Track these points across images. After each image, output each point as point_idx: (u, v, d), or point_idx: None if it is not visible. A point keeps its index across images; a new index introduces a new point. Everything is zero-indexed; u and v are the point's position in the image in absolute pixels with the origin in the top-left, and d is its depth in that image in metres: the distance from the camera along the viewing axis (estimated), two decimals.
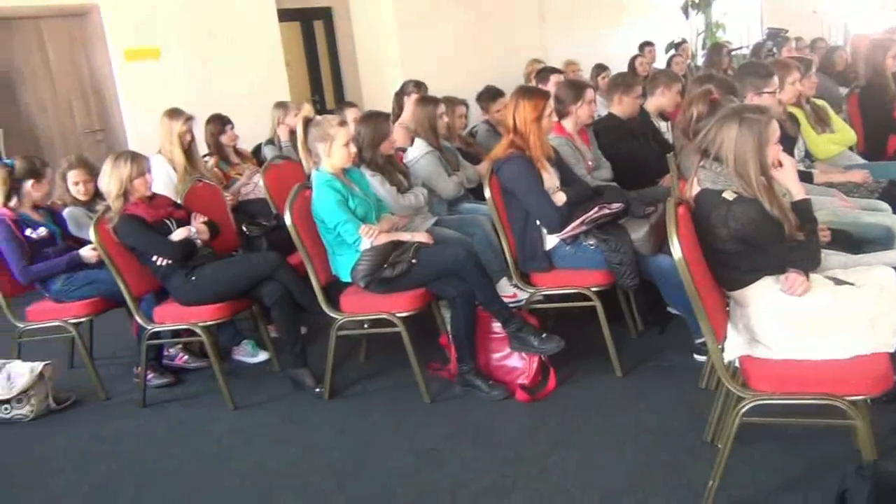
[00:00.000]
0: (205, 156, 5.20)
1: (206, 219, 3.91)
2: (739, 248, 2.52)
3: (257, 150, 5.76)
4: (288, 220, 3.50)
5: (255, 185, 5.06)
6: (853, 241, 3.27)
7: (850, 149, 4.67)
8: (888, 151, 4.90)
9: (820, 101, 4.69)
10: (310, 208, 3.57)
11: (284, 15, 7.56)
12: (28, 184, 3.96)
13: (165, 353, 4.17)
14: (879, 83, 4.88)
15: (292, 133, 5.61)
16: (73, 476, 3.21)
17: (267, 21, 7.16)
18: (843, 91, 5.65)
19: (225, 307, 3.68)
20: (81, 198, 4.18)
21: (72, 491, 3.09)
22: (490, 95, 5.47)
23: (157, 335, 3.81)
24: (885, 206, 3.63)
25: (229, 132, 5.31)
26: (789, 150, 3.93)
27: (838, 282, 2.51)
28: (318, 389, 3.67)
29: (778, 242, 2.51)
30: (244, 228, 4.44)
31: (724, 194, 2.52)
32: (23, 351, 4.02)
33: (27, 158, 4.04)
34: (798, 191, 2.64)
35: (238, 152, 5.48)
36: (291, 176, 4.55)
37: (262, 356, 4.19)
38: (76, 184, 4.15)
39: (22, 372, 3.75)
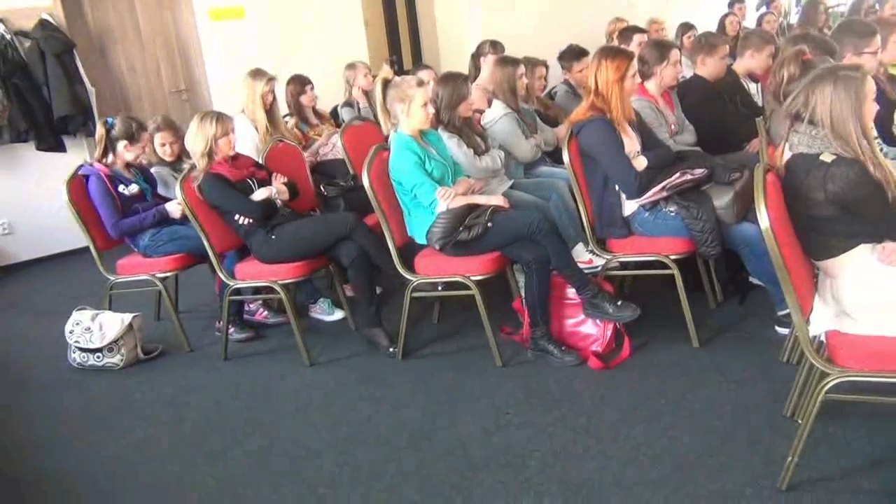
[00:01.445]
0: (285, 116, 5.29)
1: (286, 179, 3.99)
2: (836, 213, 2.41)
3: (335, 112, 5.83)
4: (366, 181, 3.53)
5: (333, 145, 5.13)
6: None
7: None
8: None
9: None
10: (387, 170, 3.59)
11: None
12: (122, 144, 4.11)
13: (246, 309, 4.31)
14: None
15: (365, 93, 5.68)
16: (160, 423, 3.38)
17: None
18: None
19: (303, 265, 3.77)
20: (167, 158, 4.35)
21: (158, 437, 3.26)
22: (573, 54, 5.35)
23: (238, 291, 3.93)
24: None
25: (309, 93, 5.39)
26: (890, 115, 3.72)
27: None
28: (392, 349, 3.73)
29: (879, 207, 2.39)
30: (322, 189, 4.51)
31: (821, 156, 2.40)
32: (113, 303, 4.22)
33: (126, 120, 4.15)
34: None
35: (317, 113, 5.56)
36: (369, 137, 4.59)
37: (339, 315, 4.28)
38: (163, 145, 4.32)
39: (113, 323, 3.95)
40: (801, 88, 2.51)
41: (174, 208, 4.03)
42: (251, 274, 3.83)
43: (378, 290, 4.01)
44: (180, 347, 4.13)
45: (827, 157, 2.39)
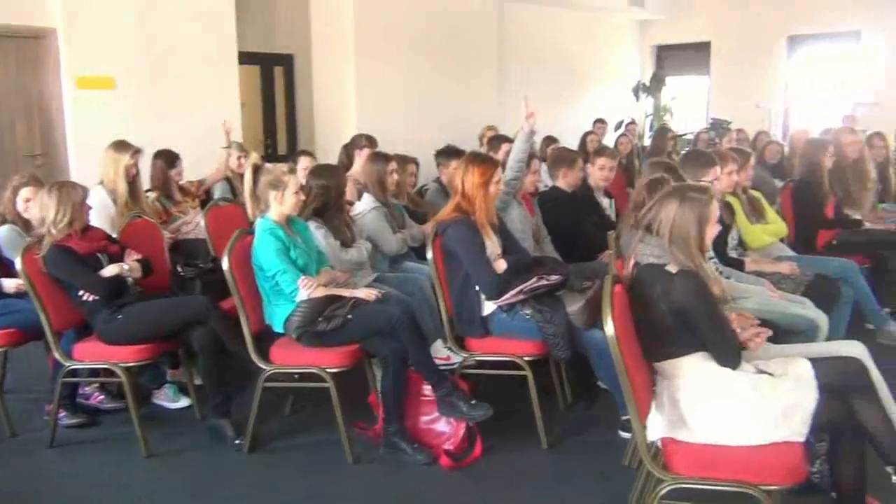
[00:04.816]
0: (147, 191, 5.12)
1: (139, 256, 3.82)
2: (677, 322, 2.57)
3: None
4: (225, 264, 3.45)
5: (196, 224, 4.99)
6: (779, 331, 3.38)
7: (782, 240, 4.86)
8: (817, 245, 5.12)
9: (756, 192, 4.89)
10: (249, 254, 3.53)
11: (245, 58, 7.59)
12: None
13: (80, 392, 4.01)
14: (814, 180, 5.11)
15: (237, 175, 5.64)
16: None
17: (227, 62, 7.17)
18: (779, 184, 5.90)
19: (149, 349, 3.58)
20: (27, 216, 4.03)
21: None
22: (450, 153, 5.54)
23: (74, 373, 3.66)
24: (807, 301, 3.77)
25: (178, 167, 5.27)
26: (724, 237, 4.08)
27: (758, 370, 2.58)
28: (237, 441, 3.56)
29: (714, 322, 2.56)
30: (179, 269, 4.34)
31: (667, 267, 2.58)
32: None
33: None
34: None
35: (183, 190, 5.43)
36: (233, 219, 4.51)
37: (184, 402, 4.06)
38: (27, 200, 4.01)
39: None
40: (653, 202, 2.71)
41: (10, 284, 3.74)
42: (91, 354, 3.59)
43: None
44: (1, 431, 3.76)
45: (672, 269, 2.57)
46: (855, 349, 2.80)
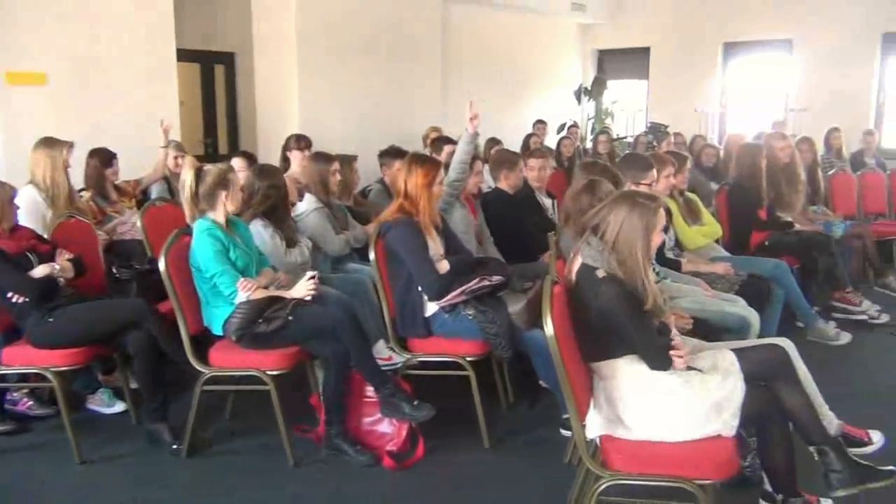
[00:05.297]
0: (80, 190, 4.98)
1: (71, 256, 3.71)
2: (603, 324, 2.62)
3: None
4: (162, 265, 3.37)
5: (132, 224, 4.87)
6: (712, 330, 3.48)
7: (717, 241, 5.00)
8: (750, 246, 5.28)
9: (692, 195, 5.03)
10: (186, 255, 3.46)
11: (185, 56, 7.43)
12: None
13: (8, 398, 3.87)
14: (748, 183, 5.27)
15: (173, 175, 5.55)
16: None
17: (165, 60, 7.01)
18: (714, 186, 6.06)
19: (82, 353, 3.47)
20: None
21: None
22: (394, 154, 5.52)
23: (2, 378, 3.54)
24: (740, 300, 3.89)
25: (115, 167, 5.15)
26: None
27: (688, 367, 2.65)
28: (175, 446, 3.49)
29: (635, 330, 2.60)
30: (114, 270, 4.23)
31: (597, 272, 2.62)
32: None
33: None
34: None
35: (119, 189, 5.29)
36: (171, 219, 4.41)
37: (119, 407, 3.96)
38: None
39: None
40: (603, 204, 2.75)
41: None
42: (20, 358, 3.47)
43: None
44: None
45: (600, 274, 2.62)
46: (782, 345, 2.90)
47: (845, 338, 4.96)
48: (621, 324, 2.59)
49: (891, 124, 9.59)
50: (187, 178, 3.53)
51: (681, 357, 2.64)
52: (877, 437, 2.97)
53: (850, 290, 5.49)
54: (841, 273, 5.42)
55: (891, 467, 2.72)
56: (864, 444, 2.95)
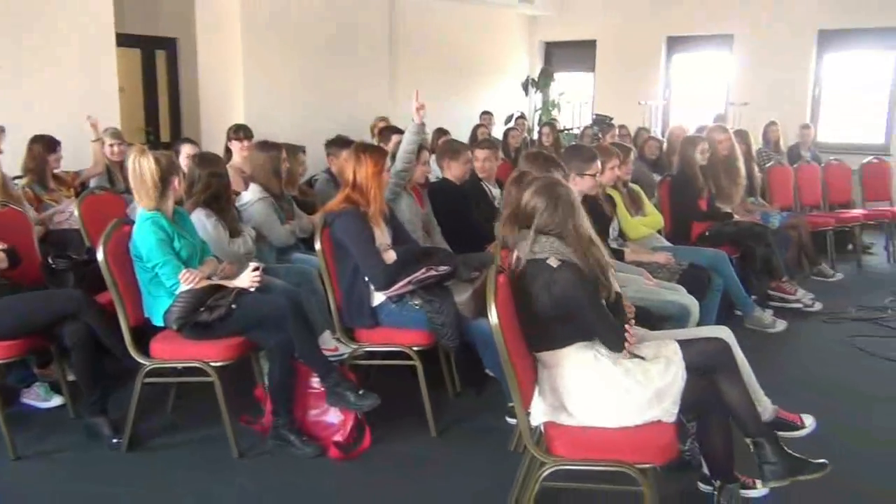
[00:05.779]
0: (15, 178, 4.83)
1: (4, 246, 3.59)
2: (558, 314, 2.66)
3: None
4: (101, 255, 3.29)
5: (70, 214, 4.74)
6: (653, 317, 3.56)
7: (659, 232, 5.11)
8: (691, 237, 5.41)
9: (635, 186, 5.12)
10: (126, 245, 3.38)
11: (124, 40, 7.23)
12: None
13: None
14: (688, 175, 5.39)
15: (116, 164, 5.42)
16: None
17: (104, 44, 6.81)
18: (657, 178, 6.18)
19: (16, 345, 3.36)
20: None
21: None
22: (340, 143, 5.48)
23: None
24: (681, 288, 3.98)
25: (58, 153, 5.01)
26: (605, 229, 4.25)
27: (632, 355, 2.71)
28: (115, 440, 3.42)
29: (594, 311, 2.67)
30: (51, 261, 4.11)
31: (548, 261, 2.66)
32: None
33: None
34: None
35: (57, 178, 5.15)
36: (110, 209, 4.31)
37: (57, 401, 3.85)
38: None
39: None
40: (526, 199, 2.79)
41: None
42: None
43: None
44: None
45: (553, 262, 2.66)
46: (722, 334, 2.98)
47: (781, 325, 5.12)
48: (580, 308, 2.64)
49: (826, 119, 9.91)
50: (146, 163, 3.37)
51: (630, 340, 2.70)
52: (809, 421, 3.07)
53: (785, 279, 5.67)
54: (777, 263, 5.59)
55: (822, 460, 2.80)
56: (798, 428, 3.06)
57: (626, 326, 2.71)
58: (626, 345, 2.67)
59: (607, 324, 2.68)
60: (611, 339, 2.67)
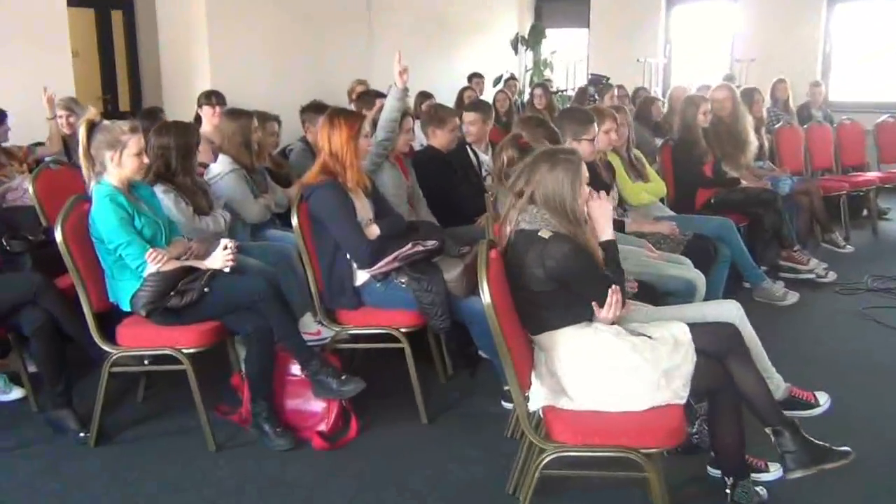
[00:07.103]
0: None
1: None
2: (554, 289, 2.67)
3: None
4: (59, 235, 3.26)
5: (24, 191, 4.69)
6: (656, 293, 3.58)
7: (662, 201, 5.11)
8: (696, 205, 5.42)
9: (639, 153, 5.11)
10: (87, 223, 3.35)
11: None
12: None
13: None
14: (690, 138, 5.39)
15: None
16: None
17: (53, 3, 6.69)
18: (659, 142, 6.18)
19: None
20: None
21: None
22: (317, 109, 5.42)
23: None
24: (686, 261, 4.00)
25: (5, 126, 4.94)
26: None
27: (637, 334, 2.72)
28: (82, 434, 3.42)
29: (592, 282, 2.70)
30: (4, 242, 4.07)
31: (540, 233, 2.67)
32: None
33: None
34: (607, 231, 2.84)
35: (8, 153, 5.08)
36: (67, 184, 4.25)
37: (17, 393, 3.84)
38: None
39: None
40: (521, 168, 2.79)
41: None
42: None
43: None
44: None
45: (545, 234, 2.67)
46: (730, 308, 3.00)
47: (793, 298, 5.14)
48: (576, 279, 2.66)
49: (838, 76, 9.90)
50: (82, 133, 3.37)
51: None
52: (823, 399, 3.10)
53: (797, 248, 5.70)
54: (788, 231, 5.62)
55: (846, 448, 2.82)
56: (812, 407, 3.09)
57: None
58: (617, 304, 2.67)
59: (606, 292, 2.70)
60: (603, 298, 2.69)
